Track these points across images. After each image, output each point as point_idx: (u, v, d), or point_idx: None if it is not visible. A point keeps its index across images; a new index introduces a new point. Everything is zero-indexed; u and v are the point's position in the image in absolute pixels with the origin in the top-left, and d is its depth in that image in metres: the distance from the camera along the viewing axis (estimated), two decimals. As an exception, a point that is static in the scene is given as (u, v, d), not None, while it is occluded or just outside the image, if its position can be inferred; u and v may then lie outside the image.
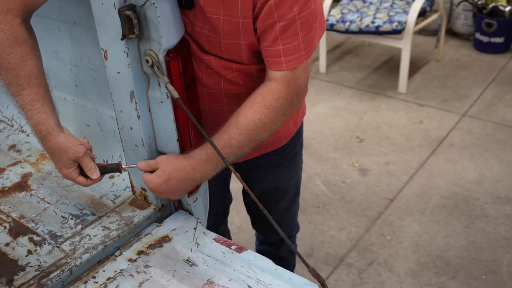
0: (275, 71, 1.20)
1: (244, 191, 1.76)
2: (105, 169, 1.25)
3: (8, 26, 1.15)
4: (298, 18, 1.14)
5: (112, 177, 1.51)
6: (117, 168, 1.26)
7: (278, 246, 1.90)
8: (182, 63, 1.22)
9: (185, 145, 1.30)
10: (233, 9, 1.15)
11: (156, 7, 1.10)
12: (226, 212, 1.84)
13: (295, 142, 1.59)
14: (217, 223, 1.78)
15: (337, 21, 3.79)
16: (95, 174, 1.22)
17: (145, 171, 1.24)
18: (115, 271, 1.20)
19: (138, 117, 1.25)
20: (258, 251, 1.94)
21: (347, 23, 3.74)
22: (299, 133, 1.60)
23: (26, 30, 1.18)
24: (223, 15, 1.16)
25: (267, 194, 1.65)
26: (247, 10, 1.14)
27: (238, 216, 2.61)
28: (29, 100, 1.17)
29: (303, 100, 1.29)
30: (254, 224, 1.90)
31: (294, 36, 1.16)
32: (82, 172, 1.23)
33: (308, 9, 1.15)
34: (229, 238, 1.98)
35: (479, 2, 4.29)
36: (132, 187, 1.41)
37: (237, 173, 1.19)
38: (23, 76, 1.16)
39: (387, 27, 3.62)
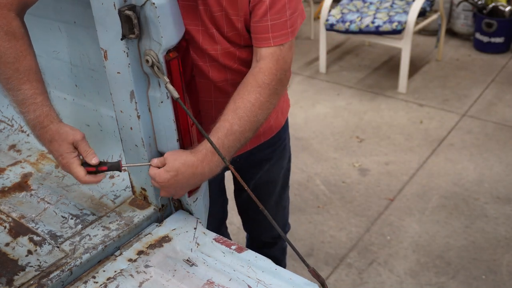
0: (263, 48, 1.27)
1: (235, 191, 1.78)
2: (105, 165, 1.25)
3: (4, 20, 1.16)
4: None
5: (112, 177, 1.51)
6: (117, 166, 1.26)
7: (270, 245, 1.91)
8: (182, 62, 1.23)
9: (186, 145, 1.30)
10: None
11: (156, 7, 1.11)
12: (225, 215, 1.85)
13: (284, 133, 1.67)
14: (217, 227, 1.79)
15: (337, 21, 3.79)
16: (94, 159, 1.21)
17: (155, 167, 1.25)
18: (115, 271, 1.20)
19: (138, 117, 1.25)
20: None
21: (347, 23, 3.74)
22: (286, 124, 1.67)
23: (22, 26, 1.19)
24: None
25: (258, 188, 1.68)
26: None
27: (237, 216, 2.59)
28: (31, 94, 1.18)
29: (289, 77, 1.35)
30: (246, 225, 1.90)
31: (282, 12, 1.24)
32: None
33: None
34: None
35: (479, 2, 4.29)
36: (132, 187, 1.41)
37: (237, 173, 1.19)
38: (23, 71, 1.17)
39: (387, 27, 3.62)
